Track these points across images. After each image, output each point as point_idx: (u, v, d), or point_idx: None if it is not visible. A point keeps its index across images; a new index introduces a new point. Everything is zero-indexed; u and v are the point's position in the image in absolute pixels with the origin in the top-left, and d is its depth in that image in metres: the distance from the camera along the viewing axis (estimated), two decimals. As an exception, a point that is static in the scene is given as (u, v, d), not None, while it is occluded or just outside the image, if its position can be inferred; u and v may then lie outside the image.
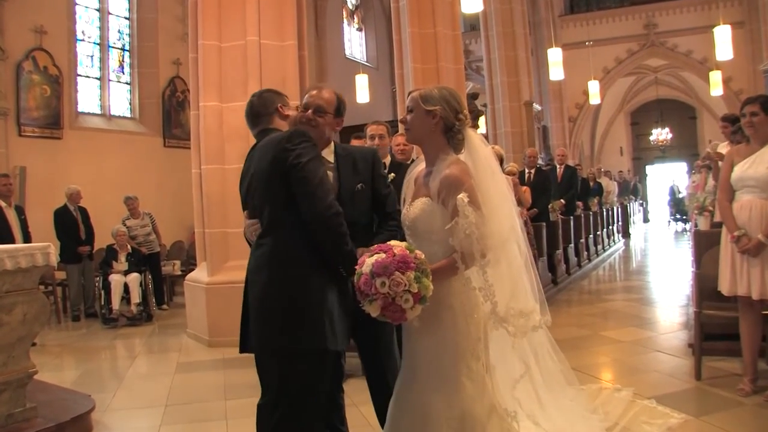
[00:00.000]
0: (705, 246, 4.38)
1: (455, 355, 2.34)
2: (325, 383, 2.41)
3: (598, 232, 11.79)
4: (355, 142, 5.11)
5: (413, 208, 2.42)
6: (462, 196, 2.25)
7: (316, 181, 2.34)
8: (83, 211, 8.45)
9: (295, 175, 2.34)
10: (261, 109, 2.67)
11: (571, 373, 3.00)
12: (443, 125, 2.40)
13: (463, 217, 2.24)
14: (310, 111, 2.67)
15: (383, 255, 2.13)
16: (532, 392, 2.74)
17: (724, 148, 5.63)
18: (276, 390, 2.37)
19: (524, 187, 7.67)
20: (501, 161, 6.87)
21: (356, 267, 2.19)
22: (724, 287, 3.90)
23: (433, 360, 2.38)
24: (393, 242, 2.21)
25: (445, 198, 2.31)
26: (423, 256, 2.19)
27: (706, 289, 4.19)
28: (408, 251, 2.16)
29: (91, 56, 11.11)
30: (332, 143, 2.78)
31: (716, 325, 4.31)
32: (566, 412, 2.95)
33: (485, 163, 2.44)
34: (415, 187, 2.52)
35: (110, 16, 11.47)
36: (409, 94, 2.53)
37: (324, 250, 2.35)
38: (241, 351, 2.49)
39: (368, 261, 2.14)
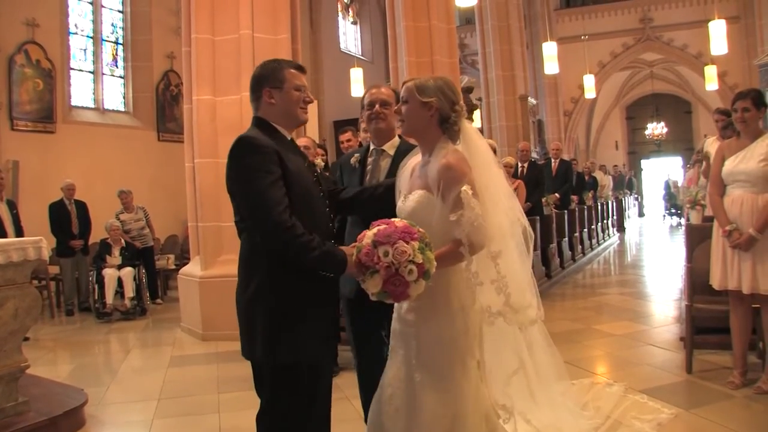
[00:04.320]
0: (697, 240, 4.39)
1: (453, 353, 2.29)
2: (309, 390, 2.25)
3: (593, 226, 11.82)
4: (342, 137, 5.11)
5: (409, 201, 2.36)
6: (466, 188, 2.21)
7: (258, 200, 2.12)
8: (80, 205, 8.43)
9: (236, 192, 2.23)
10: (253, 85, 2.37)
11: (563, 367, 2.98)
12: (439, 117, 2.35)
13: (468, 210, 2.19)
14: (377, 106, 2.82)
15: (385, 226, 2.09)
16: (525, 388, 2.71)
17: (712, 144, 5.64)
18: (266, 396, 2.27)
19: (517, 181, 7.66)
20: (494, 155, 6.84)
21: (357, 242, 2.11)
22: (715, 281, 3.92)
23: (429, 358, 2.32)
24: (394, 219, 2.16)
25: (444, 190, 2.25)
26: (425, 232, 2.13)
27: (697, 283, 4.22)
28: (410, 225, 2.12)
29: (84, 50, 11.06)
30: (397, 137, 2.89)
31: (707, 319, 4.34)
32: (556, 408, 2.94)
33: (483, 155, 2.40)
34: (411, 179, 2.45)
35: (103, 9, 11.40)
36: (404, 84, 2.45)
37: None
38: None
39: (369, 233, 2.08)
